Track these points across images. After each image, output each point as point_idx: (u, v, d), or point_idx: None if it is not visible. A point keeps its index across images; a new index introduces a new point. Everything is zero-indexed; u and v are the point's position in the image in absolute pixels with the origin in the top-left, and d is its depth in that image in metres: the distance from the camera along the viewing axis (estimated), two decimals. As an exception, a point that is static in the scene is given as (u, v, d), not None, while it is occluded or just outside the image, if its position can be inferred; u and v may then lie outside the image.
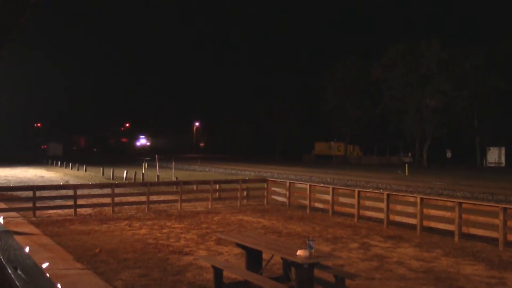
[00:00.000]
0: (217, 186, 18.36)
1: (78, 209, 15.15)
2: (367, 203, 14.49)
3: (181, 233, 12.11)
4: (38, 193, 15.41)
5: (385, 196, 13.58)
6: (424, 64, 56.86)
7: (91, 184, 18.56)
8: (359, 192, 14.62)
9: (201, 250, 10.23)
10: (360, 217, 14.35)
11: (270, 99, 76.32)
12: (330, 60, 70.45)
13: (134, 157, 37.51)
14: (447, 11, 76.11)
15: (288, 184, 17.74)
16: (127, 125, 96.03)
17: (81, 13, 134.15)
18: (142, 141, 75.59)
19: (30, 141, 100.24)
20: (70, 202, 15.35)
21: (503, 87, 52.34)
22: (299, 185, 18.06)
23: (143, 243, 10.78)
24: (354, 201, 14.50)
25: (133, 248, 10.29)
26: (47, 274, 2.50)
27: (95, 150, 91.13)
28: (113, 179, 27.86)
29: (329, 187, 16.35)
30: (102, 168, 33.81)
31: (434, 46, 55.42)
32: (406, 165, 40.16)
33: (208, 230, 12.51)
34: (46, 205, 15.42)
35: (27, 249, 3.22)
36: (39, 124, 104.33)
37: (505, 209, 10.81)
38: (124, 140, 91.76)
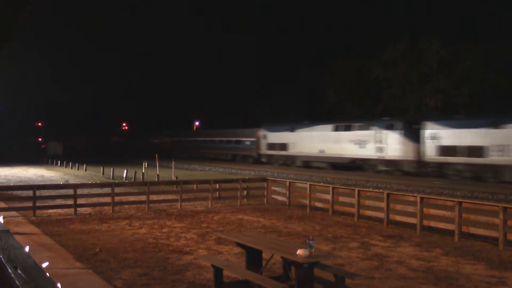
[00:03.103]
0: (217, 186, 18.35)
1: (78, 209, 15.17)
2: (367, 202, 14.50)
3: (181, 232, 12.12)
4: (38, 193, 15.42)
5: (385, 196, 13.58)
6: (424, 62, 56.87)
7: (91, 184, 18.54)
8: (359, 191, 14.62)
9: (201, 249, 10.24)
10: (360, 217, 14.36)
11: (270, 97, 76.34)
12: (330, 58, 70.42)
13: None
14: (447, 9, 76.09)
15: (288, 183, 17.74)
16: (124, 125, 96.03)
17: (81, 13, 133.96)
18: None
19: (30, 140, 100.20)
20: (70, 202, 15.36)
21: (503, 86, 52.34)
22: (299, 185, 18.06)
23: (143, 243, 10.79)
24: (354, 200, 14.50)
25: (133, 247, 10.30)
26: (47, 274, 2.50)
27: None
28: (113, 178, 27.88)
29: (329, 186, 16.35)
30: (102, 168, 33.82)
31: (435, 44, 55.42)
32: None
33: (208, 230, 12.52)
34: (46, 204, 15.44)
35: (27, 249, 3.22)
36: (39, 124, 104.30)
37: (505, 209, 10.81)
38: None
